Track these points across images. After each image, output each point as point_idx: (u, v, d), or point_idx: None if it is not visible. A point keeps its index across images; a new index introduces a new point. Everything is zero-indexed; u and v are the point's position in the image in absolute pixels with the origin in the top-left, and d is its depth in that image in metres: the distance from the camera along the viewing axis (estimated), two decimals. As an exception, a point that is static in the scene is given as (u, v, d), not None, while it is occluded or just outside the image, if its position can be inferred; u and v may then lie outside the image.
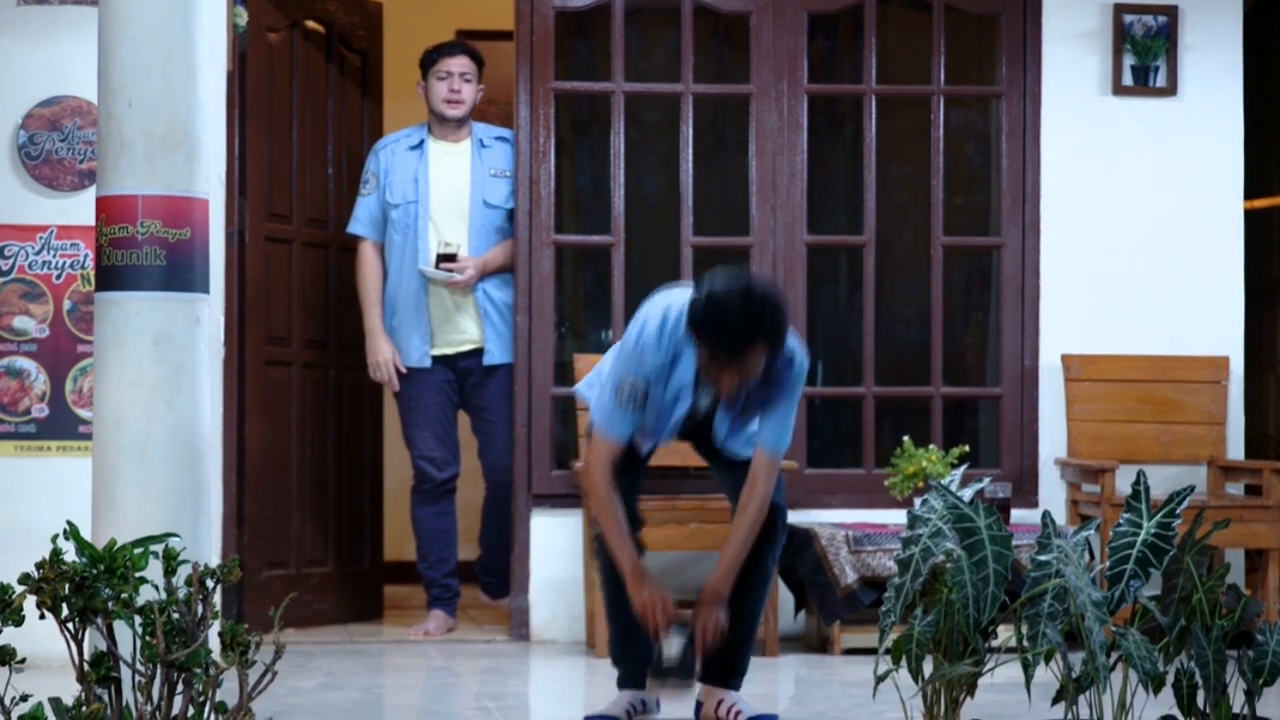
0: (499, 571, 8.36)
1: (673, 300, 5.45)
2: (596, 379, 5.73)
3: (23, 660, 4.02)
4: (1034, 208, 8.30)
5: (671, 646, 5.45)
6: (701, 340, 5.27)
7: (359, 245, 8.19)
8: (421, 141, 8.17)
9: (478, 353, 8.14)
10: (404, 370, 8.12)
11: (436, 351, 8.14)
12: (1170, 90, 8.31)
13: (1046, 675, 4.89)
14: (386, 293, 8.17)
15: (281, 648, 4.04)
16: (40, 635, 4.30)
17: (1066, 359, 8.23)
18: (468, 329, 8.13)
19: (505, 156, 8.17)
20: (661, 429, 5.59)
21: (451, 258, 8.00)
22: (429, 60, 8.20)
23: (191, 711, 4.01)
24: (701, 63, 8.35)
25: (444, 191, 8.11)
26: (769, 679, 7.26)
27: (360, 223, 8.18)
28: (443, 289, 8.07)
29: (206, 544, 4.74)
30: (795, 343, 5.47)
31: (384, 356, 8.09)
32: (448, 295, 8.08)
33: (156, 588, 4.06)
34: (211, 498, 4.89)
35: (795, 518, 7.96)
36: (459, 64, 8.16)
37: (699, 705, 5.58)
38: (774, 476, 5.60)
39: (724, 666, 5.60)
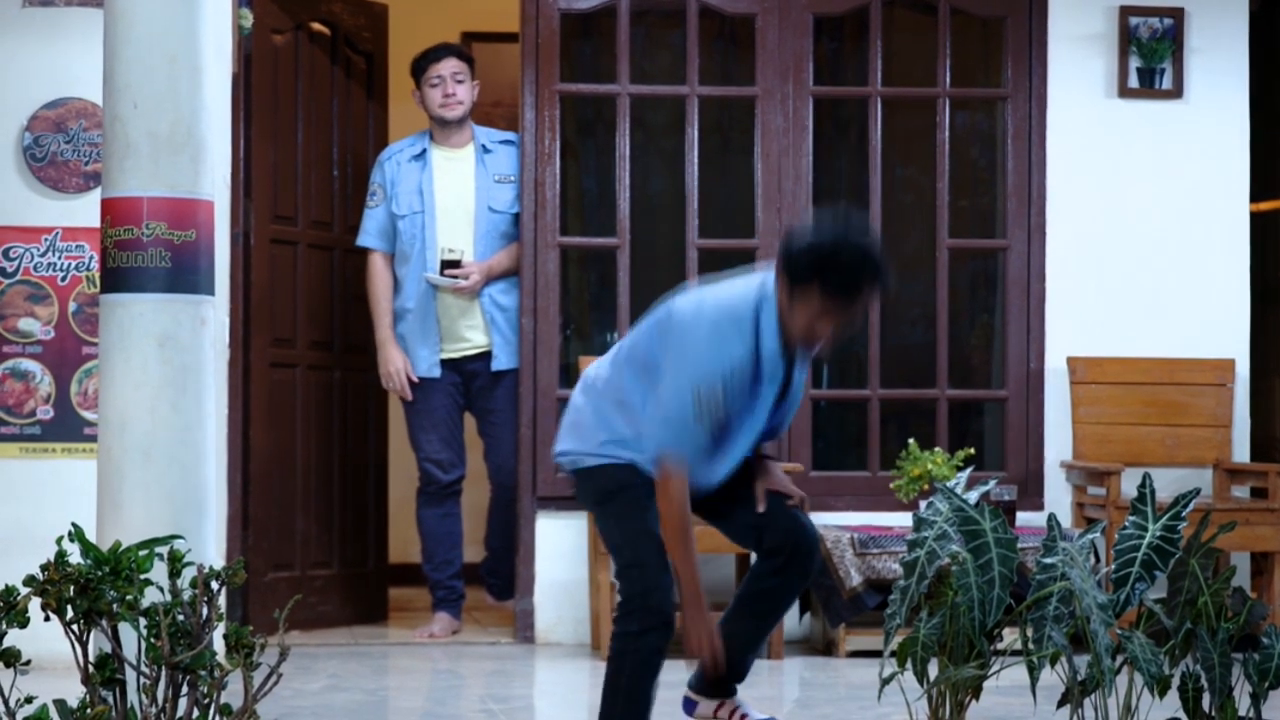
0: (504, 573, 8.36)
1: (710, 297, 5.02)
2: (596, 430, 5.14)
3: (28, 662, 4.02)
4: (1039, 210, 8.29)
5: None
6: (832, 284, 4.82)
7: (369, 256, 8.18)
8: (424, 151, 8.16)
9: (485, 356, 8.13)
10: (415, 380, 8.12)
11: (444, 355, 8.14)
12: (1176, 93, 8.31)
13: (1052, 678, 4.89)
14: (396, 303, 8.16)
15: (286, 650, 4.03)
16: (45, 637, 4.30)
17: (1072, 361, 8.22)
18: (474, 335, 8.12)
19: (509, 160, 8.16)
20: (739, 431, 5.10)
21: (455, 264, 7.99)
22: (418, 69, 8.19)
23: (196, 714, 4.01)
24: (707, 65, 8.35)
25: (449, 200, 8.10)
26: (774, 681, 7.26)
27: (369, 235, 8.17)
28: (448, 296, 8.06)
29: (211, 546, 4.73)
30: None
31: (396, 366, 8.09)
32: (453, 302, 8.08)
33: (161, 590, 4.06)
34: (216, 500, 4.89)
35: (800, 520, 7.95)
36: (449, 66, 8.15)
37: (690, 703, 5.48)
38: None
39: (729, 674, 5.54)
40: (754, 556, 5.37)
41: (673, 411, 4.90)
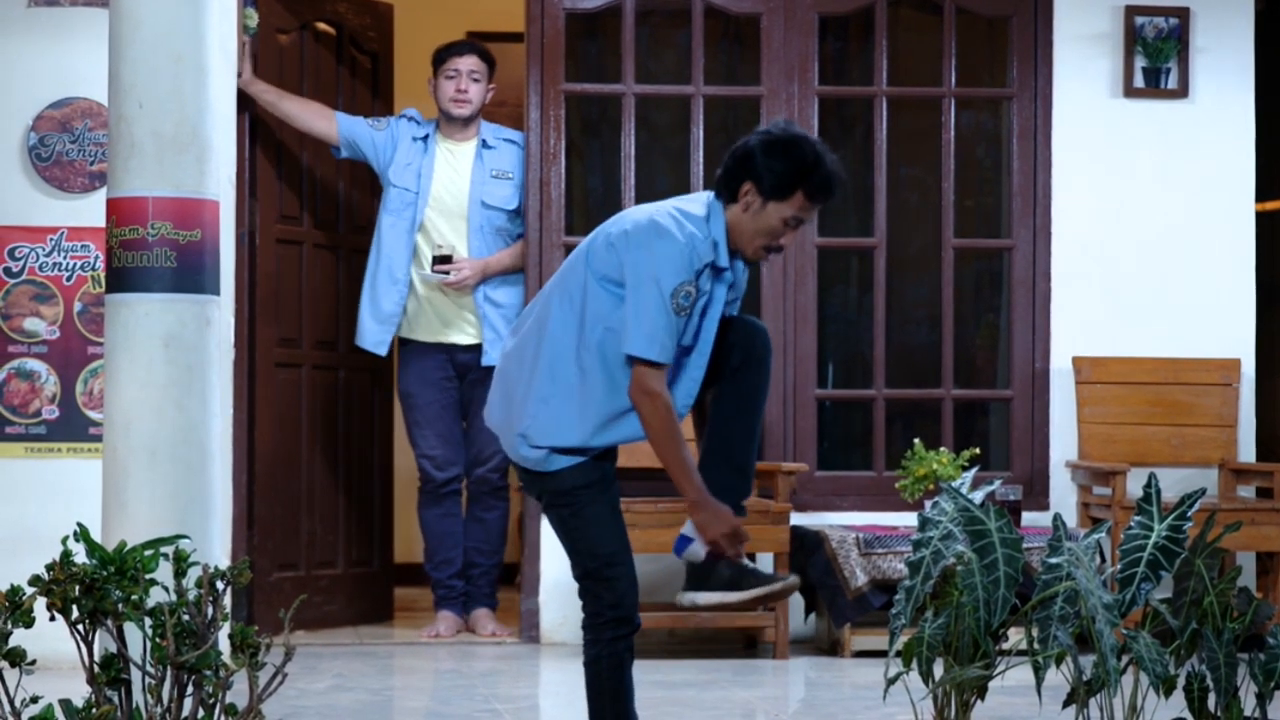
0: (475, 577, 8.28)
1: (659, 206, 4.89)
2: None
3: (33, 662, 4.02)
4: (1045, 210, 8.29)
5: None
6: (817, 192, 4.83)
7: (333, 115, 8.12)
8: (428, 136, 8.15)
9: (478, 348, 8.13)
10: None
11: (435, 339, 8.11)
12: (1181, 92, 8.30)
13: (1057, 678, 4.88)
14: (367, 270, 8.14)
15: (291, 650, 4.03)
16: (50, 637, 4.30)
17: (1077, 361, 8.22)
18: (467, 328, 8.11)
19: (510, 158, 8.15)
20: (700, 345, 4.90)
21: (446, 259, 7.98)
22: (439, 58, 8.19)
23: (201, 713, 4.01)
24: (712, 64, 8.35)
25: (443, 190, 8.09)
26: (779, 681, 7.26)
27: (347, 116, 8.10)
28: (437, 291, 8.04)
29: (216, 546, 4.74)
30: None
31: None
32: (442, 298, 8.05)
33: (166, 589, 4.06)
34: (221, 499, 4.89)
35: (805, 520, 7.95)
36: (467, 63, 8.14)
37: (686, 540, 5.03)
38: None
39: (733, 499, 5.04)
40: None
41: (649, 305, 4.74)
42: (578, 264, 4.90)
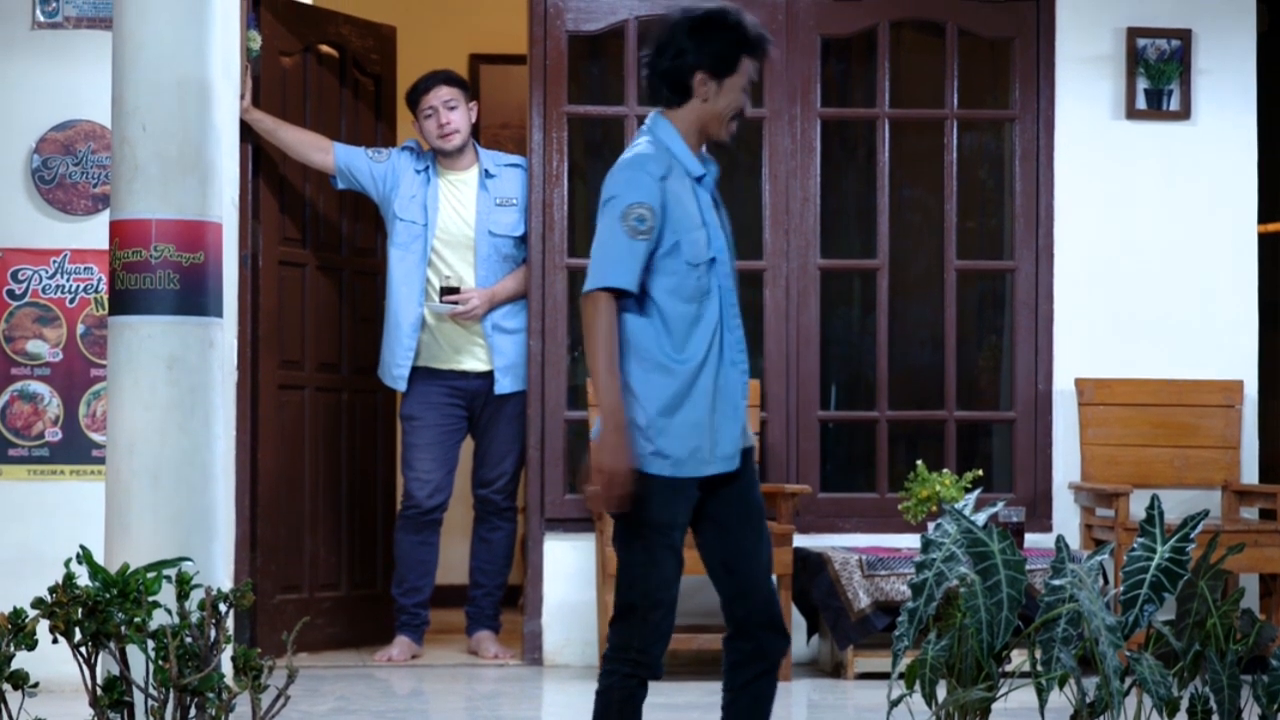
0: (478, 599, 8.26)
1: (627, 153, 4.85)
2: None
3: (35, 684, 4.03)
4: (1047, 231, 8.29)
5: None
6: (751, 46, 4.84)
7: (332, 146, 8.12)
8: (428, 167, 8.14)
9: (488, 375, 8.11)
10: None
11: (444, 365, 8.10)
12: (1184, 114, 8.31)
13: (1060, 700, 4.88)
14: (387, 307, 8.13)
15: (294, 672, 4.04)
16: (53, 659, 4.31)
17: (1080, 383, 8.22)
18: (476, 355, 8.09)
19: (514, 183, 8.14)
20: (719, 257, 4.80)
21: (454, 290, 7.98)
22: (411, 102, 8.16)
23: (204, 736, 4.01)
24: (714, 86, 8.34)
25: (449, 223, 8.08)
26: (783, 704, 7.24)
27: (345, 147, 8.10)
28: (447, 321, 8.03)
29: (219, 568, 4.74)
30: None
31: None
32: (452, 327, 8.04)
33: (169, 612, 4.07)
34: (224, 521, 4.89)
35: (808, 542, 7.95)
36: (440, 95, 8.10)
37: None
38: None
39: None
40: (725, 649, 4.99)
41: (604, 236, 4.69)
42: None
